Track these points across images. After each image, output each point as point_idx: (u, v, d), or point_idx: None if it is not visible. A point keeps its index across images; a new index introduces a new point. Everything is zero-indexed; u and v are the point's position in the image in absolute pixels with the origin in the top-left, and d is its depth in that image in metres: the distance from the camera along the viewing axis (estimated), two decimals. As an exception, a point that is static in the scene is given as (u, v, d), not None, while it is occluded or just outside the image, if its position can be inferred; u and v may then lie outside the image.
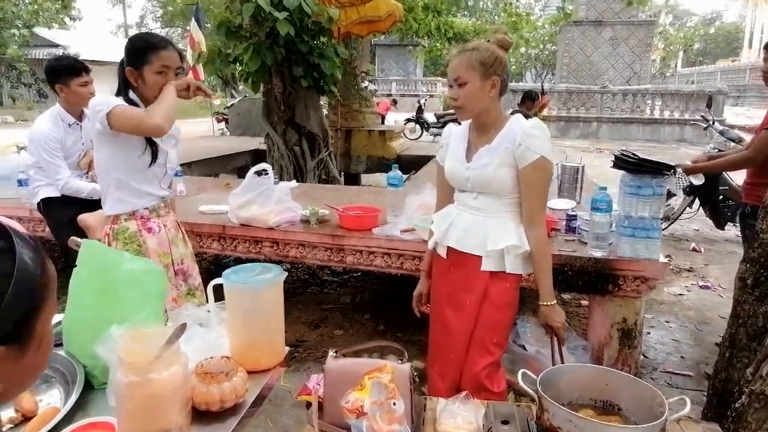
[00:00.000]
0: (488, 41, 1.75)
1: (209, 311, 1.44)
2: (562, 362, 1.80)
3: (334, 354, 1.51)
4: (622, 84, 16.95)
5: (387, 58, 28.63)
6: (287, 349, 1.45)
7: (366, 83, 7.91)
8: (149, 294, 1.34)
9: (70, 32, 29.32)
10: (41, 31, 25.43)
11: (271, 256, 3.12)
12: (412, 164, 6.70)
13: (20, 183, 3.52)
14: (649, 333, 3.34)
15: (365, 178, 8.16)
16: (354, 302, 3.81)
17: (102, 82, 3.81)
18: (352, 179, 7.79)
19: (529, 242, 1.73)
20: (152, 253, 1.89)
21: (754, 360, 2.07)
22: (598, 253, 2.60)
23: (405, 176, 4.63)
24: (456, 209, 1.88)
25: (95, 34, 34.29)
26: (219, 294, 1.37)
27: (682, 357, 3.09)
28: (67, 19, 30.37)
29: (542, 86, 5.69)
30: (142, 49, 1.78)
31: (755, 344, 2.07)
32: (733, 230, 5.20)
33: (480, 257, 1.76)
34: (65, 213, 2.89)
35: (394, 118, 15.93)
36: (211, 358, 1.22)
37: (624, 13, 15.74)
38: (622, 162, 2.58)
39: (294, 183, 3.09)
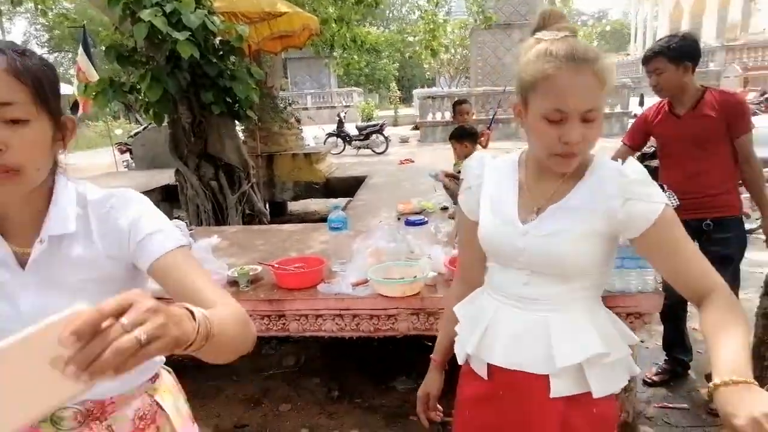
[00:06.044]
0: (566, 35, 1.06)
1: None
2: None
3: None
4: (535, 84, 17.33)
5: (300, 72, 28.02)
6: None
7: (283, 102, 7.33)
8: None
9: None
10: None
11: (194, 331, 2.53)
12: (342, 188, 6.25)
13: None
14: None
15: (291, 205, 7.59)
16: (299, 364, 3.27)
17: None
18: (279, 208, 7.20)
19: (728, 318, 0.97)
20: None
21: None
22: (582, 291, 2.26)
23: (338, 204, 4.16)
24: (492, 300, 1.23)
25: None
26: None
27: (671, 385, 2.83)
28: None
29: (492, 119, 5.37)
30: None
31: (786, 390, 1.78)
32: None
33: (545, 377, 1.14)
34: None
35: (313, 134, 15.39)
36: None
37: (530, 16, 16.11)
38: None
39: (215, 239, 2.54)
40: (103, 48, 4.59)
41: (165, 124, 5.00)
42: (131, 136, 12.03)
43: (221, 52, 4.59)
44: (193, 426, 1.14)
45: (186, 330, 0.64)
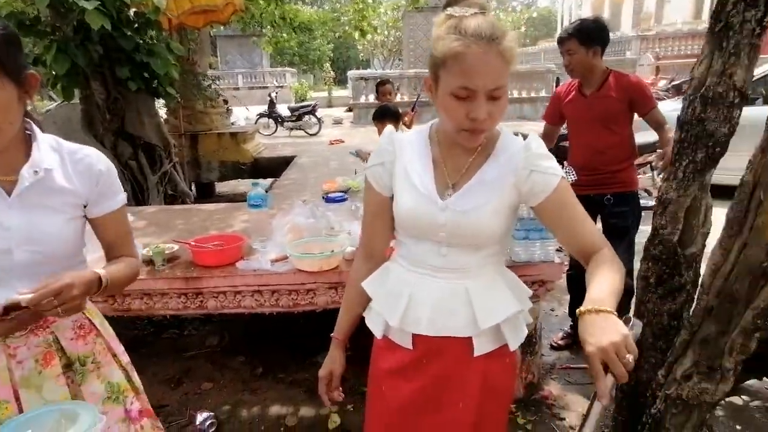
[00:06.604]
0: (476, 12, 1.06)
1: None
2: None
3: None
4: (465, 67, 17.64)
5: (230, 50, 26.99)
6: None
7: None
8: None
9: None
10: None
11: (106, 312, 2.45)
12: (270, 168, 6.17)
13: None
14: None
15: (219, 186, 7.40)
16: (222, 343, 3.25)
17: None
18: (205, 189, 7.00)
19: (603, 267, 1.09)
20: None
21: (662, 360, 1.99)
22: (492, 262, 2.39)
23: (265, 183, 4.12)
24: (408, 272, 1.25)
25: None
26: None
27: (575, 348, 3.05)
28: None
29: (416, 101, 5.41)
30: None
31: (661, 343, 1.99)
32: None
33: (469, 339, 1.21)
34: None
35: (245, 114, 14.99)
36: None
37: None
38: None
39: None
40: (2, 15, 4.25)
41: (77, 101, 4.74)
42: (42, 114, 11.22)
43: (137, 25, 4.37)
44: (119, 343, 1.38)
45: (91, 294, 1.10)
